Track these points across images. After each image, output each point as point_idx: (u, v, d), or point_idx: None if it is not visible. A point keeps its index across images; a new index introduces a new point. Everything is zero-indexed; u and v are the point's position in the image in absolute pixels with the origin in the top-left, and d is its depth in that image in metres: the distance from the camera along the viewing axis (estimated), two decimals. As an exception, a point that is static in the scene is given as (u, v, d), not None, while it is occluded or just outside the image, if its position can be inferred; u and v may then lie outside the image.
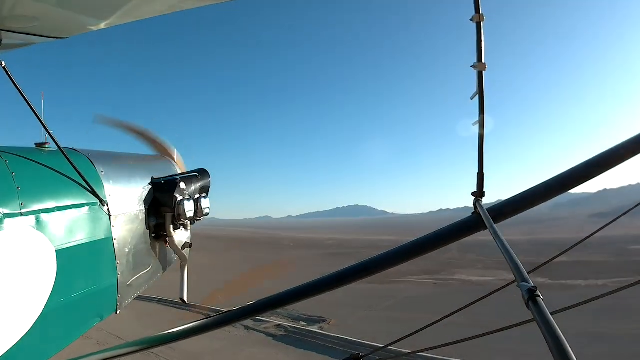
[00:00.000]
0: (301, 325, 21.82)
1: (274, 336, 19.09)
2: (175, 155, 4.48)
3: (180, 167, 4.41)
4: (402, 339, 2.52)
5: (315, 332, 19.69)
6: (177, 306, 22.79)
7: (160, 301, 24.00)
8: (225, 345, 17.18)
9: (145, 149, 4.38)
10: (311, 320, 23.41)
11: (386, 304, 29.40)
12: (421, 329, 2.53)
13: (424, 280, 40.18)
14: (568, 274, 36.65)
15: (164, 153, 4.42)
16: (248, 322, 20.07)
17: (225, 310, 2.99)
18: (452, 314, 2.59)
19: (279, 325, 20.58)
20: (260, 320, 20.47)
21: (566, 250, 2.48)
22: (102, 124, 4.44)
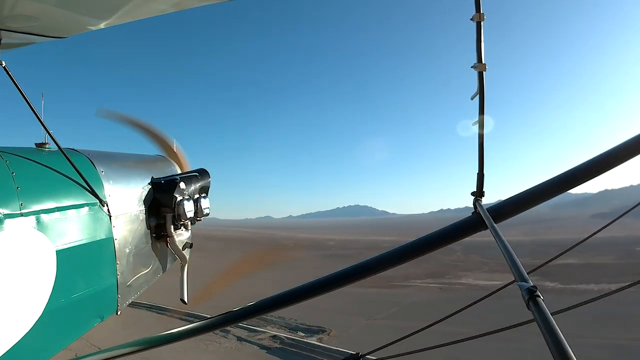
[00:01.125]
0: (299, 336, 20.31)
1: (268, 348, 17.63)
2: (176, 149, 4.45)
3: (182, 163, 4.39)
4: (402, 339, 2.52)
5: (314, 344, 18.33)
6: (162, 312, 21.84)
7: (150, 308, 22.68)
8: (214, 358, 16.21)
9: (146, 149, 4.37)
10: (310, 331, 21.77)
11: (390, 311, 28.02)
12: (421, 329, 2.53)
13: (429, 284, 38.74)
14: (578, 277, 35.90)
15: (165, 149, 4.40)
16: (241, 333, 18.90)
17: (224, 312, 2.98)
18: (453, 314, 2.59)
19: (274, 336, 19.13)
20: (254, 330, 19.33)
21: (566, 251, 2.47)
22: (105, 118, 4.41)
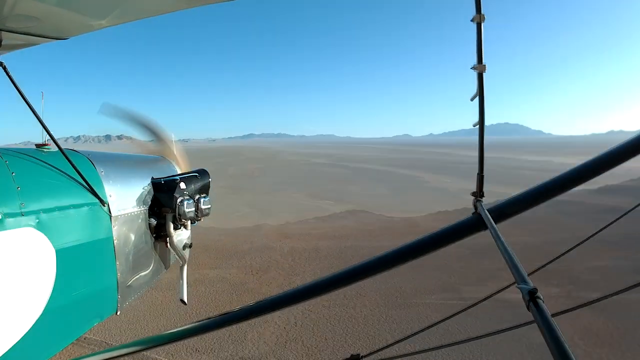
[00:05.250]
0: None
1: None
2: (175, 148, 4.44)
3: (180, 162, 4.39)
4: (402, 339, 2.51)
5: None
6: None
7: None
8: None
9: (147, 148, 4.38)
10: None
11: (406, 345, 22.80)
12: (421, 330, 2.53)
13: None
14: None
15: (164, 147, 4.38)
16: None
17: (224, 312, 2.96)
18: (453, 315, 2.59)
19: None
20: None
21: (567, 251, 2.47)
22: (109, 115, 4.29)
